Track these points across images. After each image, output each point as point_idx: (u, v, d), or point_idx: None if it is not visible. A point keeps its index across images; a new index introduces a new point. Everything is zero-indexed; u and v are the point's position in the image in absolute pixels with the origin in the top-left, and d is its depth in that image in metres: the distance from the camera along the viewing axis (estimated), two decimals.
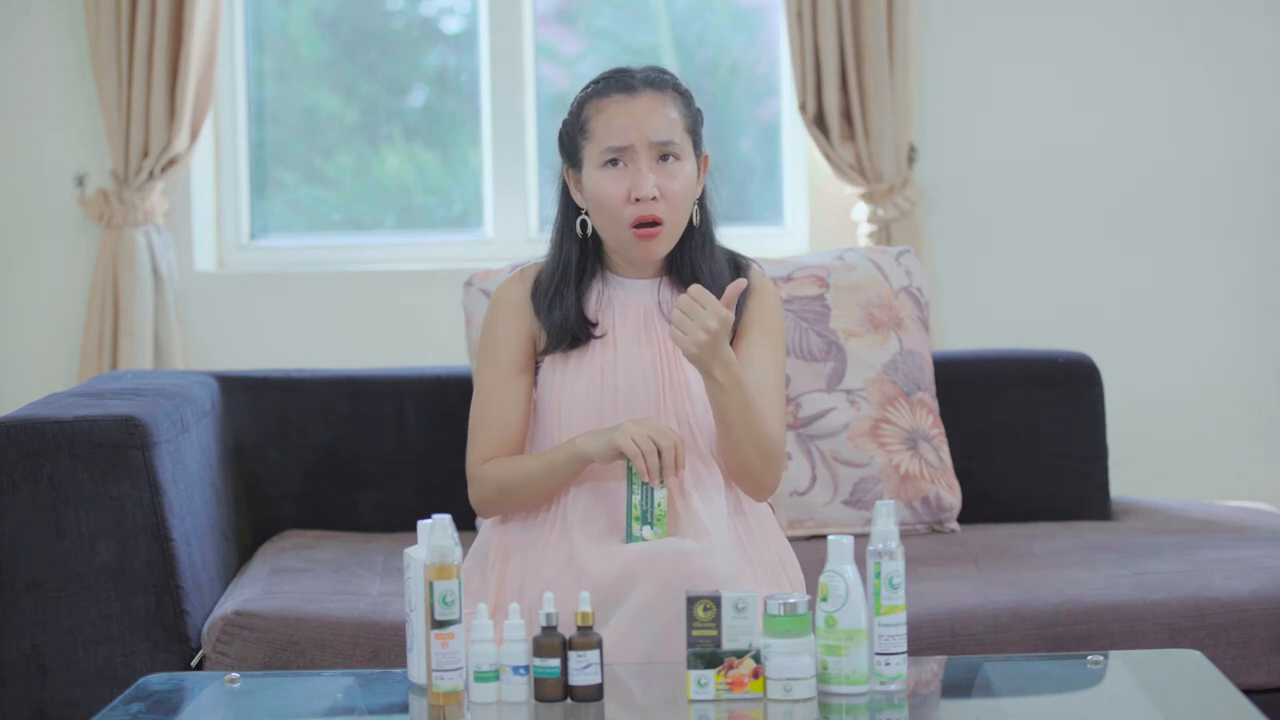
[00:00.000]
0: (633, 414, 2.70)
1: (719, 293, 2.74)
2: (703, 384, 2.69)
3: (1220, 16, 4.48)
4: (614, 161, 2.70)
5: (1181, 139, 4.50)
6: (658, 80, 2.74)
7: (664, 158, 2.71)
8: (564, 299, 2.76)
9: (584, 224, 2.78)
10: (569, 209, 2.80)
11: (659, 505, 2.61)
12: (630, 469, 2.63)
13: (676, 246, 2.79)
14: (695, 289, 2.59)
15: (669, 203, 2.71)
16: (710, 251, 2.80)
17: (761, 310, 2.81)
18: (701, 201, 2.79)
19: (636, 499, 2.62)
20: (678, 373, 2.75)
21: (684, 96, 2.77)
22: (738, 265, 2.84)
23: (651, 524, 2.61)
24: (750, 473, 2.72)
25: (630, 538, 2.61)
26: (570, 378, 2.75)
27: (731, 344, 2.80)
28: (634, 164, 2.70)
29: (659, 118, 2.71)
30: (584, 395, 2.73)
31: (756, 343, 2.79)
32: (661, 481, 2.62)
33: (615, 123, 2.71)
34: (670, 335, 2.61)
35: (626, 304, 2.79)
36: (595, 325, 2.77)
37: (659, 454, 2.60)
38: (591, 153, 2.72)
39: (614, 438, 2.62)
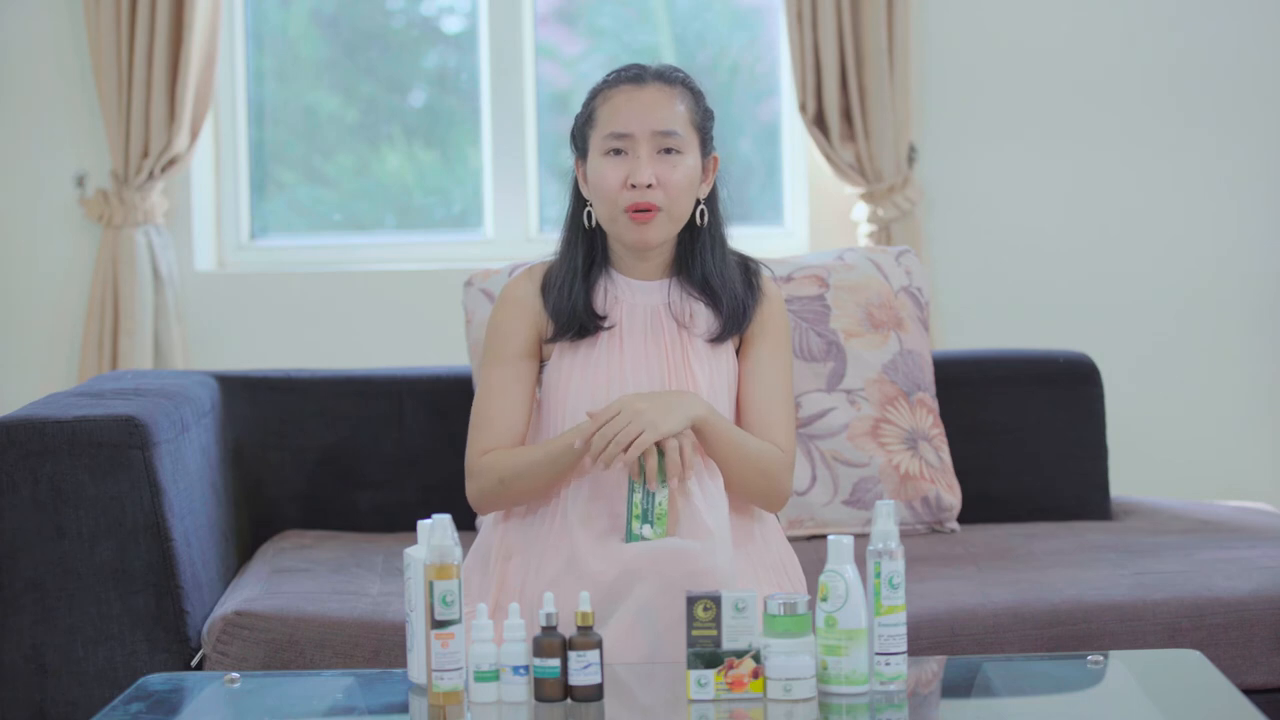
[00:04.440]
0: None
1: (729, 296, 2.75)
2: (709, 384, 2.72)
3: (1221, 11, 4.48)
4: (616, 150, 2.71)
5: (1180, 138, 4.50)
6: (668, 75, 2.76)
7: (666, 150, 2.71)
8: (572, 290, 2.76)
9: (589, 215, 2.78)
10: (579, 204, 2.81)
11: (660, 504, 2.61)
12: (633, 483, 2.62)
13: (686, 248, 2.79)
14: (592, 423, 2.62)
15: (667, 191, 2.71)
16: (721, 255, 2.80)
17: (771, 317, 2.81)
18: (710, 203, 2.80)
19: (637, 498, 2.61)
20: (685, 372, 2.75)
21: (694, 94, 2.77)
22: (748, 269, 2.84)
23: (652, 523, 2.61)
24: (759, 495, 2.73)
25: (630, 537, 2.61)
26: (578, 373, 2.75)
27: (739, 351, 2.80)
28: (634, 152, 2.71)
29: (664, 109, 2.72)
30: (591, 392, 2.73)
31: (766, 351, 2.79)
32: (663, 482, 2.61)
33: (620, 111, 2.72)
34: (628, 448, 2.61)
35: (634, 303, 2.79)
36: (604, 319, 2.77)
37: (661, 454, 2.60)
38: (596, 140, 2.74)
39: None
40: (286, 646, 2.82)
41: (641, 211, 2.71)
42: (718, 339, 2.77)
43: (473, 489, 2.75)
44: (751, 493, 2.73)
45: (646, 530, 2.60)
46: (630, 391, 2.70)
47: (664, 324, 2.78)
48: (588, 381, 2.73)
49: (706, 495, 2.66)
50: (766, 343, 2.80)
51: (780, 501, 2.76)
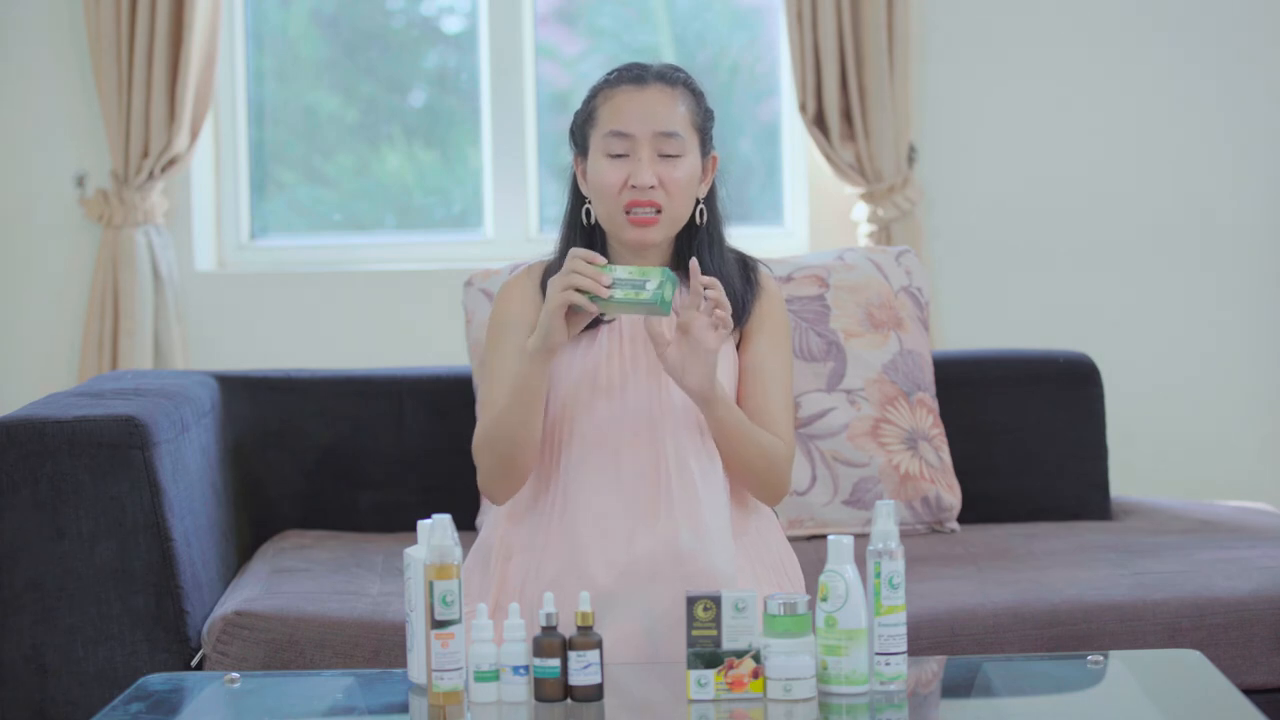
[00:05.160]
0: (639, 400, 2.68)
1: (728, 291, 2.75)
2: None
3: (1220, 15, 4.48)
4: (617, 149, 2.71)
5: (1181, 138, 4.50)
6: (669, 75, 2.76)
7: (666, 151, 2.71)
8: None
9: (588, 213, 2.78)
10: (577, 201, 2.81)
11: (631, 273, 2.56)
12: (601, 300, 2.57)
13: (684, 244, 2.79)
14: (710, 282, 2.59)
15: (668, 191, 2.71)
16: (719, 252, 2.80)
17: (770, 312, 2.81)
18: (709, 202, 2.80)
19: (619, 295, 2.55)
20: None
21: (695, 94, 2.77)
22: (746, 267, 2.84)
23: (645, 281, 2.55)
24: (760, 482, 2.72)
25: (662, 306, 2.54)
26: (579, 363, 2.74)
27: (739, 346, 2.80)
28: (635, 154, 2.71)
29: (665, 110, 2.72)
30: (592, 380, 2.72)
31: (766, 345, 2.79)
32: (606, 265, 2.56)
33: (621, 111, 2.72)
34: (705, 330, 2.59)
35: None
36: (603, 313, 2.76)
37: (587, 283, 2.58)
38: (596, 139, 2.74)
39: (547, 310, 2.59)
40: (286, 646, 2.82)
41: (642, 214, 2.71)
42: None
43: (480, 474, 2.72)
44: (753, 477, 2.71)
45: (651, 287, 2.54)
46: (631, 386, 2.70)
47: (664, 318, 2.77)
48: (588, 374, 2.73)
49: (708, 486, 2.64)
50: (765, 337, 2.79)
51: (780, 493, 2.75)
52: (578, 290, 2.57)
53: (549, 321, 2.60)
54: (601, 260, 2.59)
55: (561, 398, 2.73)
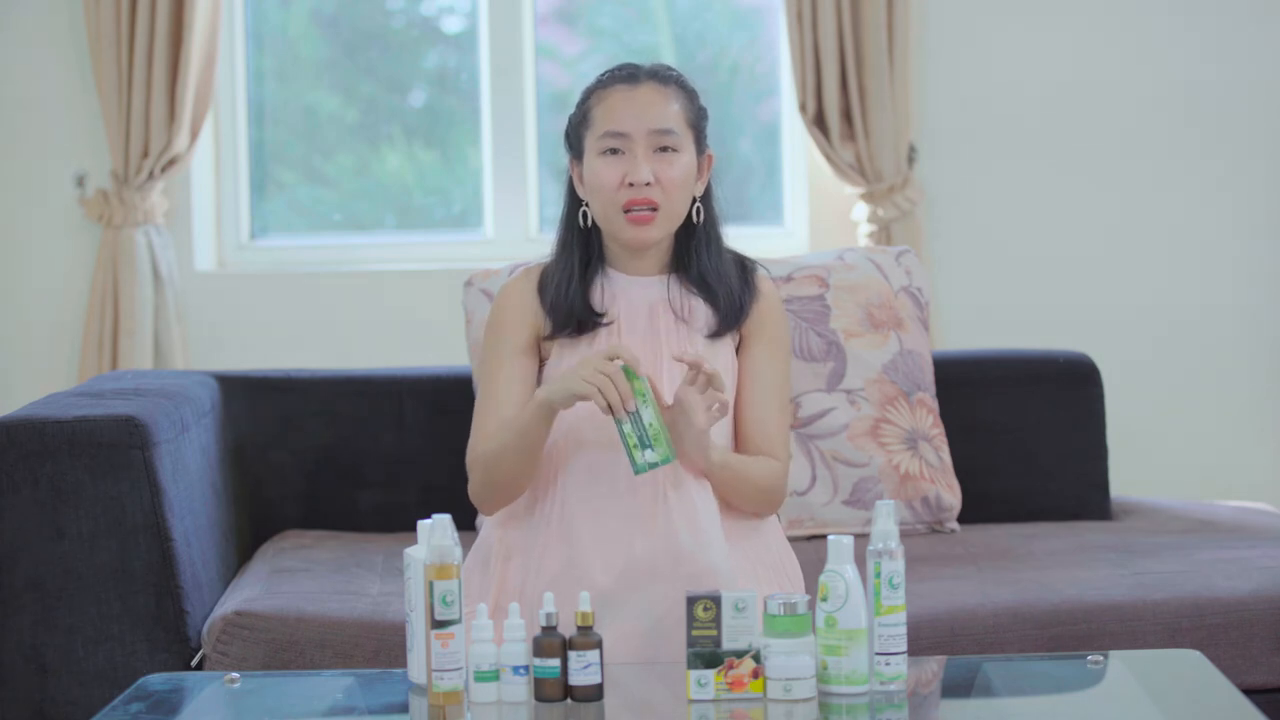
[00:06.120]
0: None
1: (725, 291, 2.74)
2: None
3: (1222, 17, 4.48)
4: (613, 149, 2.71)
5: (1182, 141, 4.50)
6: (662, 74, 2.76)
7: (662, 148, 2.71)
8: (569, 288, 2.76)
9: (585, 215, 2.78)
10: (573, 204, 2.81)
11: (650, 425, 2.56)
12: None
13: (681, 245, 2.79)
14: (711, 371, 2.59)
15: (664, 189, 2.71)
16: (716, 251, 2.80)
17: (768, 316, 2.81)
18: (706, 201, 2.80)
19: (626, 429, 2.57)
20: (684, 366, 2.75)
21: (688, 93, 2.78)
22: (744, 268, 2.84)
23: (650, 445, 2.57)
24: (759, 506, 2.74)
25: (637, 469, 2.56)
26: None
27: (737, 350, 2.80)
28: (631, 151, 2.71)
29: (659, 108, 2.72)
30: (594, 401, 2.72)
31: (763, 351, 2.79)
32: (644, 401, 2.56)
33: (616, 110, 2.73)
34: (698, 410, 2.59)
35: (632, 299, 2.78)
36: (603, 315, 2.77)
37: (634, 377, 2.57)
38: (591, 140, 2.74)
39: (571, 385, 2.59)
40: (286, 646, 2.82)
41: (640, 211, 2.71)
42: (715, 334, 2.78)
43: (471, 487, 2.75)
44: (751, 506, 2.74)
45: (649, 455, 2.55)
46: None
47: (662, 319, 2.77)
48: None
49: (704, 497, 2.65)
50: (763, 343, 2.80)
51: (777, 505, 2.78)
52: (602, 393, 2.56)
53: (563, 399, 2.60)
54: (642, 372, 2.58)
55: (564, 416, 2.73)
